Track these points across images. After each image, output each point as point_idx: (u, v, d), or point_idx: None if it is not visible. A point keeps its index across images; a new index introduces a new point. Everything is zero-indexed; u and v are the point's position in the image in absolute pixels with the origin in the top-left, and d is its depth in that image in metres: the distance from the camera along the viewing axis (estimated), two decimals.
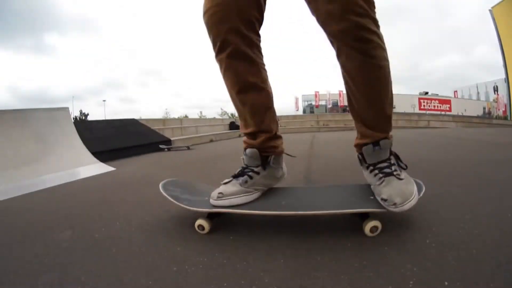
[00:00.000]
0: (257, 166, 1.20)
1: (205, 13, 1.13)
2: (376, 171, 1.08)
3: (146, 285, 0.78)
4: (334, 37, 1.02)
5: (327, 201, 1.14)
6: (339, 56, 1.07)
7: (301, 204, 1.12)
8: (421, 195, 1.04)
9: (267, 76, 1.24)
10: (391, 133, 1.17)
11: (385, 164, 1.09)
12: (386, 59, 1.07)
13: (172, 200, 1.15)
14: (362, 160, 1.15)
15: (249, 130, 1.22)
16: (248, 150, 1.20)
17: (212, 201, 1.11)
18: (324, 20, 1.01)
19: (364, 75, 1.05)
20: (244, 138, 1.26)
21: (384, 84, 1.09)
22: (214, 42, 1.13)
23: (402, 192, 0.97)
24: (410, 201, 0.96)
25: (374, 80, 1.06)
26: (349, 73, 1.08)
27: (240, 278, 0.78)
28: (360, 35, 0.97)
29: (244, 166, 1.21)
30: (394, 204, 0.95)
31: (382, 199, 0.98)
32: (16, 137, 2.96)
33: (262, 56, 1.23)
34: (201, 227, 1.09)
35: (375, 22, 1.01)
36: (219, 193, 1.11)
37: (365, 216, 1.01)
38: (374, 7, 1.01)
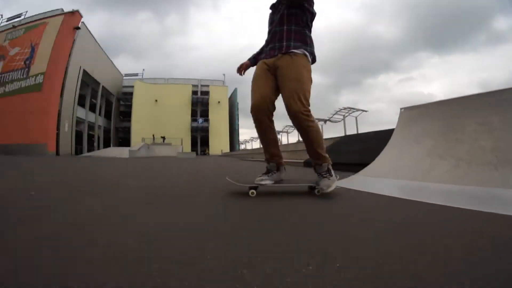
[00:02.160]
0: (276, 170, 2.64)
1: (255, 101, 2.47)
2: (319, 175, 2.45)
3: (227, 208, 1.86)
4: (291, 120, 2.42)
5: (301, 182, 2.71)
6: (294, 126, 2.48)
7: (290, 183, 2.65)
8: (335, 186, 2.40)
9: (275, 132, 2.66)
10: (328, 158, 2.52)
11: (324, 172, 2.43)
12: (315, 130, 2.42)
13: (234, 182, 2.55)
14: (315, 170, 2.55)
15: (267, 156, 2.66)
16: (271, 163, 2.63)
17: (256, 182, 2.43)
18: (287, 112, 2.43)
19: (304, 136, 2.43)
20: (268, 158, 2.68)
21: (314, 139, 2.44)
22: (256, 117, 2.52)
23: (326, 184, 2.29)
24: (329, 189, 2.26)
25: (309, 138, 2.42)
26: (299, 133, 2.50)
27: (261, 208, 1.84)
28: (302, 124, 2.34)
29: (269, 168, 2.63)
30: (322, 189, 2.27)
31: (318, 186, 2.34)
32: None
33: (273, 122, 2.59)
34: (252, 192, 2.36)
35: (311, 117, 2.35)
36: (258, 178, 2.47)
37: (313, 188, 2.45)
38: (309, 107, 2.35)
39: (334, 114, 25.67)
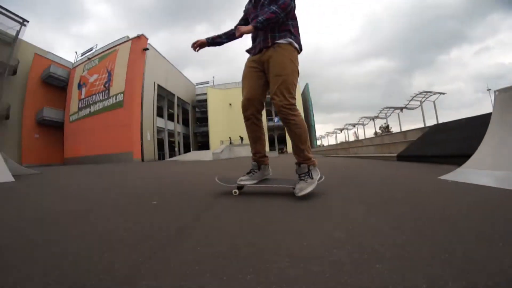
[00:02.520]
0: (257, 169, 2.64)
1: (242, 101, 2.53)
2: (298, 177, 2.41)
3: (210, 202, 2.15)
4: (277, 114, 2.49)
5: (282, 183, 2.58)
6: (280, 120, 2.48)
7: (271, 183, 2.59)
8: (310, 189, 2.33)
9: (263, 130, 2.68)
10: (313, 159, 2.48)
11: (302, 174, 2.39)
12: (298, 123, 2.40)
13: (221, 183, 2.69)
14: (296, 171, 2.48)
15: (252, 152, 2.70)
16: (253, 162, 2.67)
17: (238, 182, 2.53)
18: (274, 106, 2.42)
19: (288, 130, 2.42)
20: (252, 156, 2.73)
21: (297, 134, 2.42)
22: (243, 115, 2.54)
23: (301, 187, 2.24)
24: (301, 192, 2.21)
25: (292, 132, 2.41)
26: (286, 129, 2.46)
27: (241, 206, 1.99)
28: (286, 118, 2.33)
29: (252, 168, 2.65)
30: (295, 192, 2.22)
31: (294, 188, 2.28)
32: None
33: (261, 120, 2.65)
34: (235, 192, 2.51)
35: (293, 111, 2.34)
36: (240, 179, 2.56)
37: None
38: (293, 100, 2.35)
39: (410, 101, 26.21)
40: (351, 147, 17.36)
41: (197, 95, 45.09)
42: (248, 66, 2.63)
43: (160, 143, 31.54)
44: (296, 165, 2.53)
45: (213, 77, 58.92)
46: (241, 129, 38.63)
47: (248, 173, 2.67)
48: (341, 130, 40.09)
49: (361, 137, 33.09)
